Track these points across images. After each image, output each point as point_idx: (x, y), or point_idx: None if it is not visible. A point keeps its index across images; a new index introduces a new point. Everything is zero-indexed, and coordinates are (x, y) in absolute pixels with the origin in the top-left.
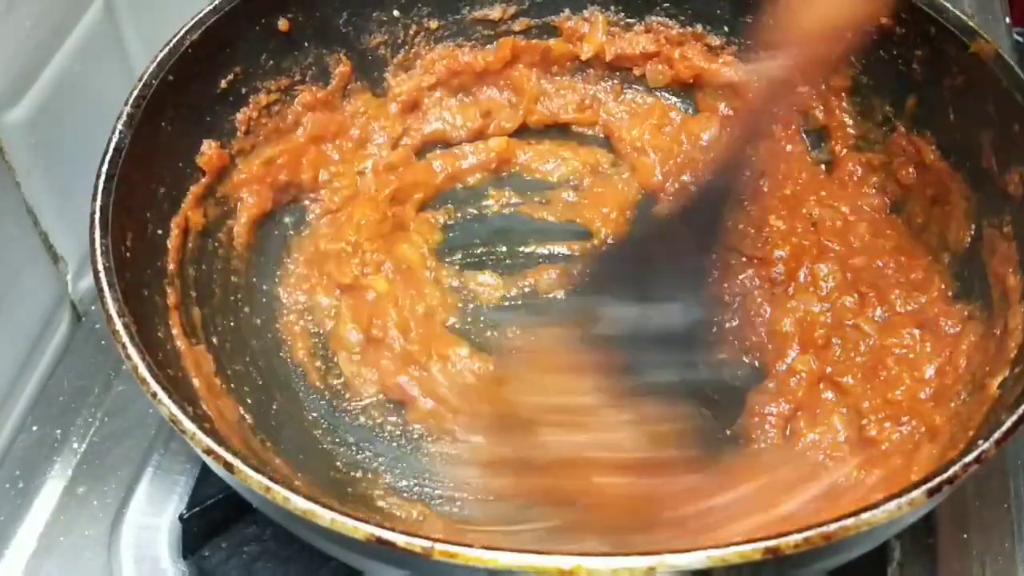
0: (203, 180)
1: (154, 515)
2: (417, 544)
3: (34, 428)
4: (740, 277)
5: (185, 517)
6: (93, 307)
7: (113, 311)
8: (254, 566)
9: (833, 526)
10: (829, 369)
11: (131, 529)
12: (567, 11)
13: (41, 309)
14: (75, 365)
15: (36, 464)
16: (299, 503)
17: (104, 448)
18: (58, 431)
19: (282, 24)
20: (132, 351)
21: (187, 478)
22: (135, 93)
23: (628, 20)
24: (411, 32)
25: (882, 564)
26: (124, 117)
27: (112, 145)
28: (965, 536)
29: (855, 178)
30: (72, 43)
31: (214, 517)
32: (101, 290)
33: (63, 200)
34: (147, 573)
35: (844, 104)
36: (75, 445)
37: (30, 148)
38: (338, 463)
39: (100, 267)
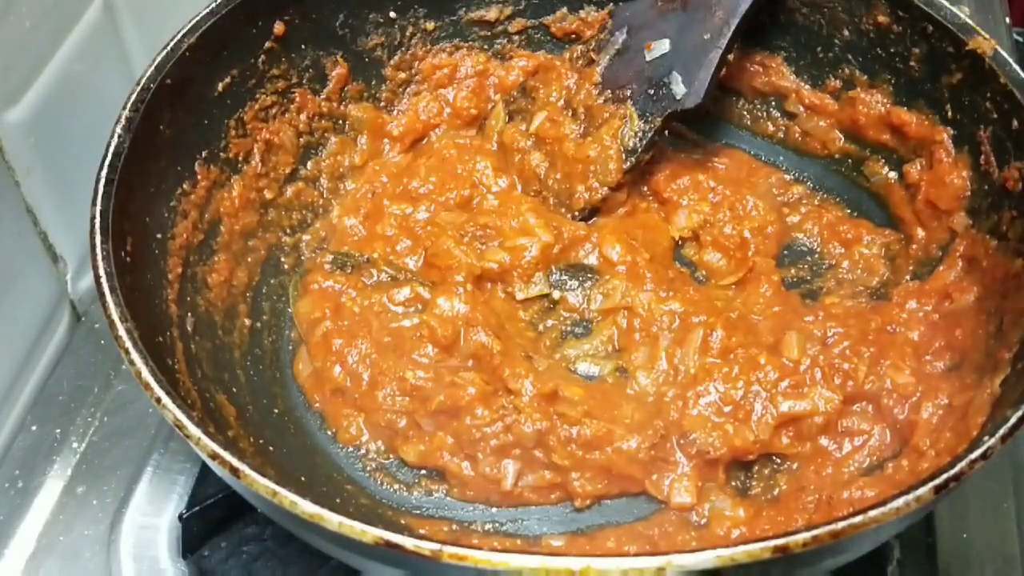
0: (202, 183)
1: (154, 515)
2: (426, 548)
3: (34, 428)
4: None
5: (185, 517)
6: (93, 306)
7: (116, 316)
8: (254, 566)
9: (841, 524)
10: None
11: (131, 529)
12: (563, 10)
13: (41, 309)
14: (75, 365)
15: (36, 464)
16: (306, 507)
17: (104, 448)
18: (58, 431)
19: (278, 27)
20: (135, 356)
21: (187, 478)
22: (133, 97)
23: None
24: (408, 33)
25: (882, 564)
26: (123, 121)
27: (111, 149)
28: (965, 536)
29: None
30: (72, 43)
31: (214, 517)
32: (103, 295)
33: (63, 200)
34: (147, 573)
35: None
36: (75, 445)
37: (30, 148)
38: (342, 465)
39: (102, 272)
